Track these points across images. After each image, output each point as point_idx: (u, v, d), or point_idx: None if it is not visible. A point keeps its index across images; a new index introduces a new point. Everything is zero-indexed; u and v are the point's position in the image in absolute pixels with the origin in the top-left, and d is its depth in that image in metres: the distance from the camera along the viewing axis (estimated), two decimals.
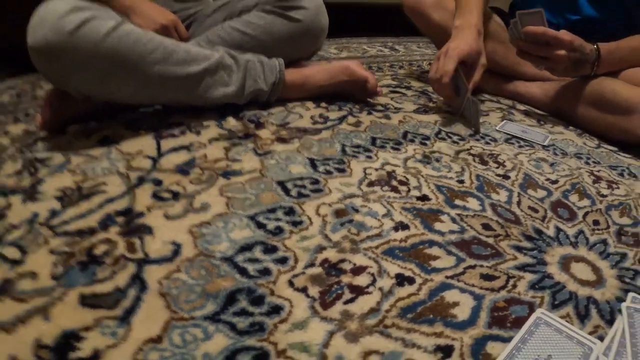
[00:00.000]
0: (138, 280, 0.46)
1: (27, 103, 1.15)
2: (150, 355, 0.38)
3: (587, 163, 0.84)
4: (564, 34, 0.94)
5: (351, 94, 1.01)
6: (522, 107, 1.14)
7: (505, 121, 0.99)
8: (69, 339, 0.40)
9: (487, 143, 0.85)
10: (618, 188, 0.76)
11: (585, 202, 0.69)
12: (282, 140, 0.78)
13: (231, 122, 0.86)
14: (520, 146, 0.87)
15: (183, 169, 0.67)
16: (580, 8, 1.13)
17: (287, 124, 0.85)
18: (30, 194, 0.65)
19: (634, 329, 0.45)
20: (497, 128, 0.94)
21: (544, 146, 0.88)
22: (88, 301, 0.44)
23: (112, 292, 0.45)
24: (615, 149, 0.96)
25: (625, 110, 0.93)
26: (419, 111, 0.99)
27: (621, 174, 0.82)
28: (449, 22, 1.14)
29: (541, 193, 0.69)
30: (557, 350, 0.40)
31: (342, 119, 0.90)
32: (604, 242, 0.59)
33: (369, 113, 0.94)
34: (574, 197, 0.70)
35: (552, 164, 0.80)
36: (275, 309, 0.43)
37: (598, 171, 0.82)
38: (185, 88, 0.83)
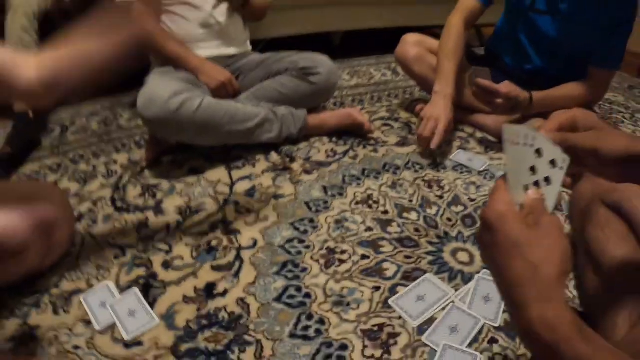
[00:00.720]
0: (239, 258, 1.02)
1: (118, 132, 1.71)
2: (251, 290, 0.94)
3: None
4: (503, 87, 1.43)
5: (353, 131, 1.54)
6: (479, 134, 1.64)
7: (458, 150, 1.50)
8: (210, 286, 0.96)
9: (438, 171, 1.38)
10: None
11: None
12: (306, 172, 1.33)
13: (274, 157, 1.41)
14: (461, 172, 1.39)
15: (250, 193, 1.23)
16: (531, 59, 1.59)
17: (309, 158, 1.40)
18: (158, 211, 1.21)
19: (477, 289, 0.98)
20: (450, 157, 1.46)
21: (479, 172, 1.40)
22: (215, 268, 1.00)
23: (227, 264, 1.01)
24: None
25: None
26: (399, 144, 1.52)
27: None
28: (426, 73, 1.64)
29: (460, 208, 1.22)
30: (430, 293, 0.94)
31: (345, 153, 1.44)
32: None
33: (364, 147, 1.48)
34: (480, 211, 1.22)
35: (478, 187, 1.33)
36: (304, 269, 0.98)
37: None
38: (244, 136, 1.38)
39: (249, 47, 1.71)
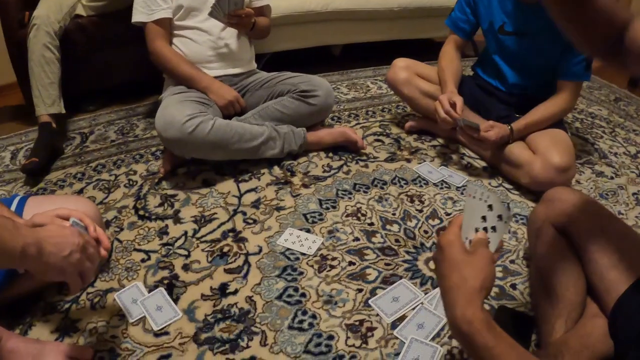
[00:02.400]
0: (247, 262, 1.27)
1: (135, 142, 1.93)
2: (257, 289, 1.19)
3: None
4: (492, 135, 1.59)
5: (347, 147, 1.77)
6: (463, 150, 1.87)
7: (442, 166, 1.74)
8: (224, 285, 1.21)
9: (420, 186, 1.62)
10: None
11: None
12: (305, 186, 1.56)
13: (277, 170, 1.64)
14: (441, 188, 1.62)
15: (255, 205, 1.47)
16: (507, 78, 1.79)
17: (308, 172, 1.63)
18: (177, 219, 1.45)
19: None
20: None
21: (457, 187, 1.63)
22: (227, 271, 1.24)
23: (237, 267, 1.25)
24: (510, 187, 1.68)
25: (516, 165, 1.64)
26: (387, 160, 1.75)
27: None
28: (414, 94, 1.86)
29: (437, 222, 1.46)
30: (403, 295, 1.18)
31: (339, 168, 1.67)
32: None
33: (357, 162, 1.71)
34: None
35: (454, 202, 1.56)
36: (301, 273, 1.23)
37: None
38: (250, 153, 1.61)
39: (254, 66, 1.93)
